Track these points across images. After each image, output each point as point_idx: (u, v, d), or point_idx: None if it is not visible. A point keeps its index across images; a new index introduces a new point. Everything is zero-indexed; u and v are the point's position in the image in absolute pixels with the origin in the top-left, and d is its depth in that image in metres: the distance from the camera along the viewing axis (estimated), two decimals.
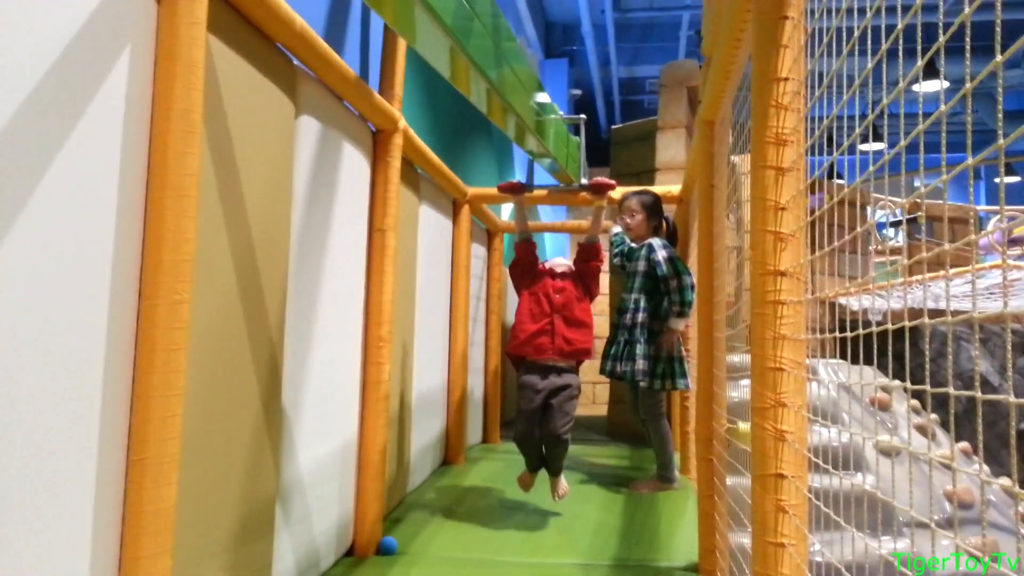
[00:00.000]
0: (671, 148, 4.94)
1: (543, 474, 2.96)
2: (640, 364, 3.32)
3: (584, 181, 3.63)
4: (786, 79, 1.13)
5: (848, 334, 1.01)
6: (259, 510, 1.78)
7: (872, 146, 8.43)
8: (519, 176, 8.10)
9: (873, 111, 0.87)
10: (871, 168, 0.89)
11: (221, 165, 1.55)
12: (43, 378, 1.09)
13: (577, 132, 3.80)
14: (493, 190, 4.43)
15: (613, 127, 5.77)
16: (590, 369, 7.71)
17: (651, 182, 4.83)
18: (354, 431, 2.47)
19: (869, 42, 0.88)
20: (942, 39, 0.70)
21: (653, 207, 3.49)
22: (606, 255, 3.21)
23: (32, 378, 1.07)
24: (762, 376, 1.18)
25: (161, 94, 1.32)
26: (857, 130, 0.91)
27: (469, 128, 4.92)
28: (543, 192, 3.82)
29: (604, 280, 6.86)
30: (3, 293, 1.02)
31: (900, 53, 0.80)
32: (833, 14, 1.02)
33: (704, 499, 2.22)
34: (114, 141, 1.24)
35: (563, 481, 2.90)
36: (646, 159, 5.12)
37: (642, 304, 3.39)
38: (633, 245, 3.59)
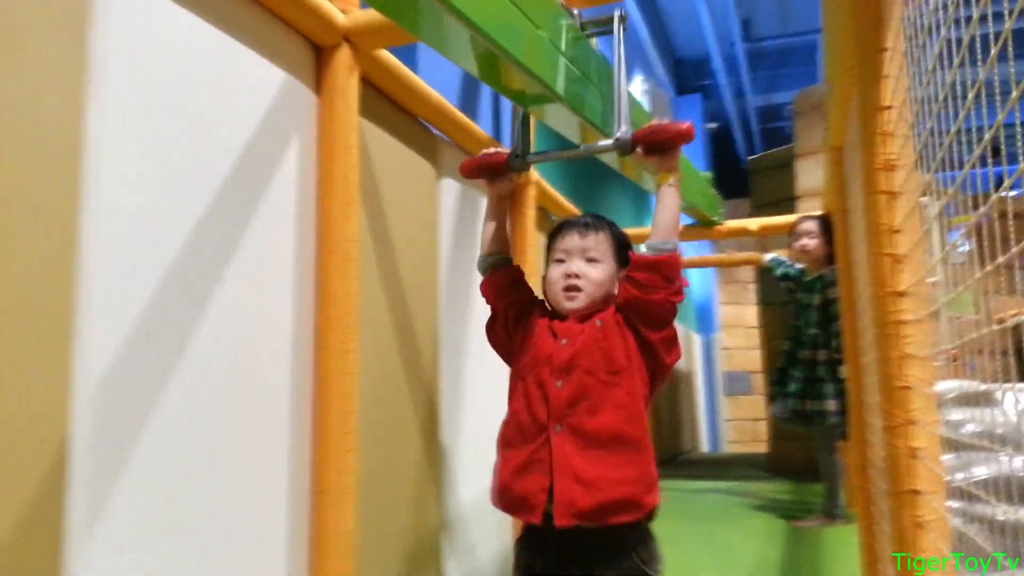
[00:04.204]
0: (811, 174, 4.83)
1: None
2: (831, 405, 3.24)
3: (622, 131, 1.48)
4: (889, 107, 1.18)
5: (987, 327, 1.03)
6: (427, 538, 1.94)
7: None
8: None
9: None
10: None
11: (377, 228, 1.77)
12: (244, 420, 1.30)
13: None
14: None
15: (750, 157, 5.72)
16: (748, 403, 7.45)
17: (792, 210, 4.75)
18: None
19: (976, 51, 0.88)
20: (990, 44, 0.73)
21: (831, 231, 3.29)
22: (688, 280, 1.38)
23: (235, 422, 1.28)
24: (890, 395, 1.21)
25: (324, 172, 1.54)
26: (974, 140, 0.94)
27: (603, 173, 5.04)
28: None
29: (752, 313, 6.52)
30: (209, 352, 1.24)
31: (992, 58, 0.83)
32: (935, 31, 1.02)
33: (864, 530, 2.17)
34: (289, 215, 1.46)
35: None
36: (786, 187, 5.03)
37: (821, 341, 3.32)
38: (800, 266, 3.48)
